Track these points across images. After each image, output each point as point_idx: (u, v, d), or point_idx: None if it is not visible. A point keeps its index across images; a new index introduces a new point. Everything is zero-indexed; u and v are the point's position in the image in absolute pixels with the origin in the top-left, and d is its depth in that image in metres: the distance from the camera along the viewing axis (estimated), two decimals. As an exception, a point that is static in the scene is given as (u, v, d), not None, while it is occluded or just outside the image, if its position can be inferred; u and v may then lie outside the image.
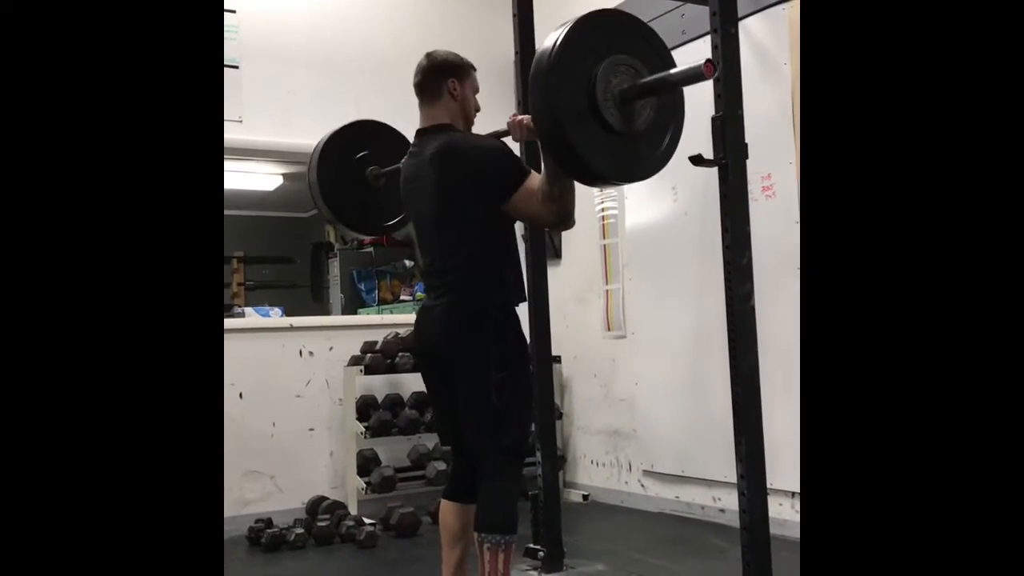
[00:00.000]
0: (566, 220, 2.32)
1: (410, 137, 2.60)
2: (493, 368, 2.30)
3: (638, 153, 2.19)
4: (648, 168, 2.25)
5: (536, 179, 2.29)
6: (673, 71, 2.13)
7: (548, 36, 2.11)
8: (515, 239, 2.50)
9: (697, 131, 2.46)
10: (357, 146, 3.04)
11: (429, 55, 2.51)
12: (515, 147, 2.51)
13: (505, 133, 2.48)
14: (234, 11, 4.58)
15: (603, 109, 2.07)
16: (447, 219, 2.39)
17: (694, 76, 2.06)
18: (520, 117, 2.36)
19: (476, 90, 2.53)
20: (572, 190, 2.26)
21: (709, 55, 2.66)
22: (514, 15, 3.26)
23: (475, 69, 2.54)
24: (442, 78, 2.46)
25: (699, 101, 2.60)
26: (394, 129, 3.09)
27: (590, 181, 2.25)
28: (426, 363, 2.51)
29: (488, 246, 2.39)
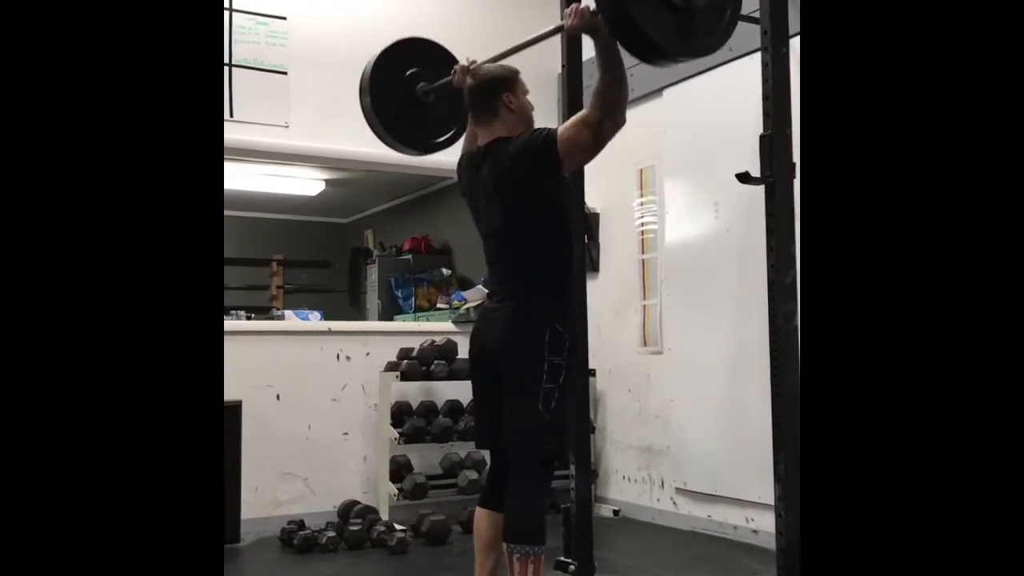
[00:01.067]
0: (616, 111, 2.29)
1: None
2: (545, 377, 2.32)
3: (699, 29, 2.24)
4: (708, 44, 2.29)
5: (567, 122, 2.37)
6: None
7: None
8: (573, 251, 2.53)
9: (742, 147, 2.45)
10: (406, 64, 3.03)
11: (475, 75, 2.53)
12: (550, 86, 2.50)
13: (558, 29, 2.51)
14: (284, 18, 4.65)
15: None
16: (513, 230, 2.45)
17: None
18: (577, 4, 2.37)
19: (527, 91, 2.56)
20: (623, 77, 2.28)
21: (757, 73, 2.66)
22: (562, 29, 3.27)
23: (519, 71, 2.56)
24: (496, 95, 2.48)
25: (747, 118, 2.60)
26: (440, 45, 3.09)
27: (651, 57, 2.27)
28: (478, 363, 2.53)
29: (551, 257, 2.45)
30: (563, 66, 3.27)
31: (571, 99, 3.15)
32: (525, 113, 2.52)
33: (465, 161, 2.62)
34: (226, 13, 4.47)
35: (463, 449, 4.60)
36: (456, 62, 2.80)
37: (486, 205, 2.49)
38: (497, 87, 2.48)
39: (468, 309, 5.01)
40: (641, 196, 4.72)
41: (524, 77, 2.59)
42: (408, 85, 3.02)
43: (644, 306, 4.71)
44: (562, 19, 2.45)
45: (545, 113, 4.51)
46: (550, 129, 2.39)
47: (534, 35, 2.62)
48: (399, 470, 4.48)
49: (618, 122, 2.31)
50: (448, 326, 4.96)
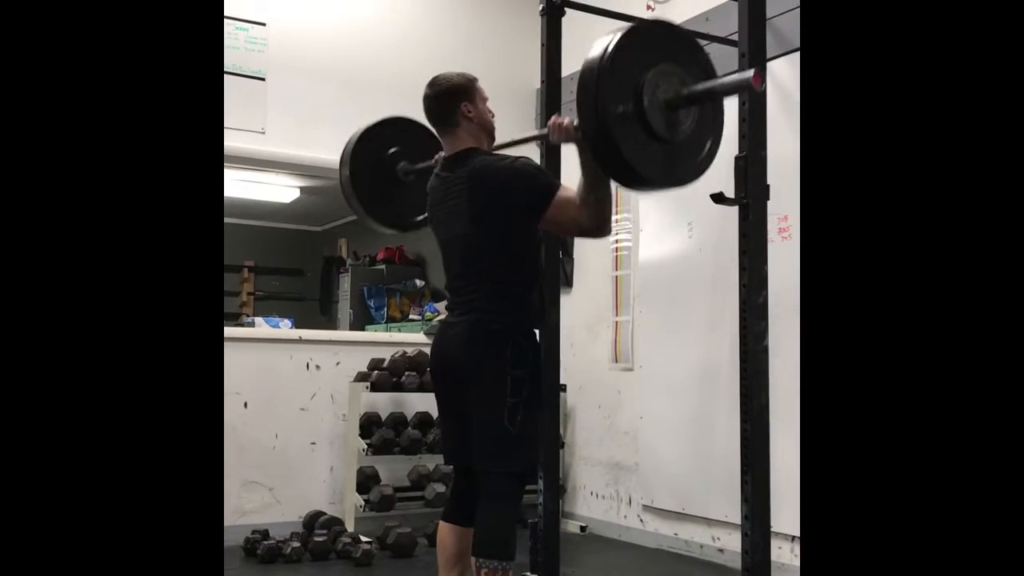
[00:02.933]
0: (604, 226, 2.32)
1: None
2: (509, 392, 2.30)
3: (679, 160, 2.22)
4: (688, 175, 2.26)
5: (569, 189, 2.33)
6: (721, 80, 2.14)
7: (599, 41, 2.12)
8: (540, 262, 2.52)
9: (717, 168, 2.47)
10: (388, 142, 3.04)
11: (432, 84, 2.50)
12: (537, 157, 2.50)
13: (543, 136, 2.49)
14: (264, 24, 4.63)
15: (649, 115, 2.09)
16: (477, 240, 2.41)
17: (742, 86, 2.07)
18: (561, 119, 2.35)
19: (485, 99, 2.53)
20: (610, 195, 2.29)
21: (734, 95, 2.69)
22: (542, 44, 3.28)
23: (476, 78, 2.54)
24: (454, 104, 2.46)
25: (722, 140, 2.62)
26: (423, 126, 3.09)
27: (632, 184, 2.27)
28: (441, 380, 2.51)
29: (515, 268, 2.42)
30: (542, 81, 3.28)
31: (549, 115, 3.16)
32: (484, 121, 2.51)
33: (433, 171, 2.60)
34: (205, 17, 4.45)
35: (431, 462, 4.58)
36: (440, 147, 2.70)
37: (455, 212, 2.44)
38: (455, 97, 2.46)
39: (440, 321, 5.00)
40: (616, 213, 4.75)
41: (502, 91, 2.60)
42: (389, 164, 3.03)
43: (616, 322, 4.73)
44: (545, 129, 2.44)
45: (522, 126, 4.53)
46: (554, 180, 2.40)
47: (519, 137, 2.62)
48: (366, 481, 4.44)
49: (606, 233, 2.36)
50: (420, 338, 4.94)
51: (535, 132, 2.57)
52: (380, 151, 3.03)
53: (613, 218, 2.33)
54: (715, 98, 2.20)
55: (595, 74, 2.06)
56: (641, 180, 2.20)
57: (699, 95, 2.14)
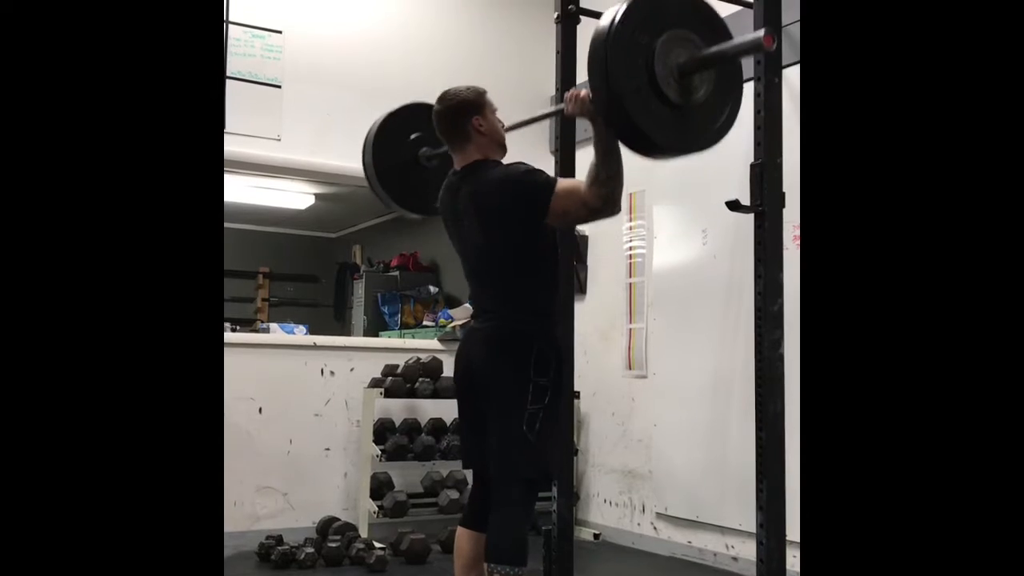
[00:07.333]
0: (613, 204, 2.28)
1: None
2: (530, 398, 2.31)
3: (696, 126, 2.18)
4: (705, 141, 2.22)
5: (567, 180, 2.34)
6: (731, 43, 2.10)
7: (607, 12, 2.08)
8: (559, 269, 2.51)
9: (732, 175, 2.47)
10: (409, 128, 3.05)
11: (442, 100, 2.50)
12: (543, 165, 2.50)
13: (559, 111, 2.48)
14: (280, 32, 4.67)
15: (662, 83, 2.06)
16: (490, 251, 2.43)
17: (753, 47, 2.04)
18: (577, 91, 2.33)
19: (494, 110, 2.54)
20: (621, 171, 2.25)
21: (749, 102, 2.68)
22: (557, 52, 3.29)
23: (485, 91, 2.54)
24: (465, 119, 2.46)
25: (737, 147, 2.62)
26: None
27: (649, 153, 2.23)
28: (464, 383, 2.52)
29: (532, 276, 2.43)
30: (557, 89, 3.29)
31: (564, 130, 3.16)
32: (496, 134, 2.51)
33: (443, 184, 2.62)
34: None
35: (445, 468, 4.58)
36: None
37: (467, 224, 2.46)
38: (466, 112, 2.46)
39: (454, 327, 5.01)
40: (630, 220, 4.75)
41: (517, 99, 2.60)
42: (411, 149, 3.04)
43: (630, 330, 4.72)
44: (562, 102, 2.42)
45: (538, 136, 4.54)
46: (548, 176, 2.37)
47: (534, 115, 2.62)
48: (380, 487, 4.45)
49: (615, 212, 2.31)
50: (434, 344, 4.95)
51: (551, 108, 2.57)
52: (402, 137, 3.03)
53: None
54: (727, 61, 2.16)
55: (602, 48, 2.03)
56: (657, 148, 2.17)
57: (710, 59, 2.10)
